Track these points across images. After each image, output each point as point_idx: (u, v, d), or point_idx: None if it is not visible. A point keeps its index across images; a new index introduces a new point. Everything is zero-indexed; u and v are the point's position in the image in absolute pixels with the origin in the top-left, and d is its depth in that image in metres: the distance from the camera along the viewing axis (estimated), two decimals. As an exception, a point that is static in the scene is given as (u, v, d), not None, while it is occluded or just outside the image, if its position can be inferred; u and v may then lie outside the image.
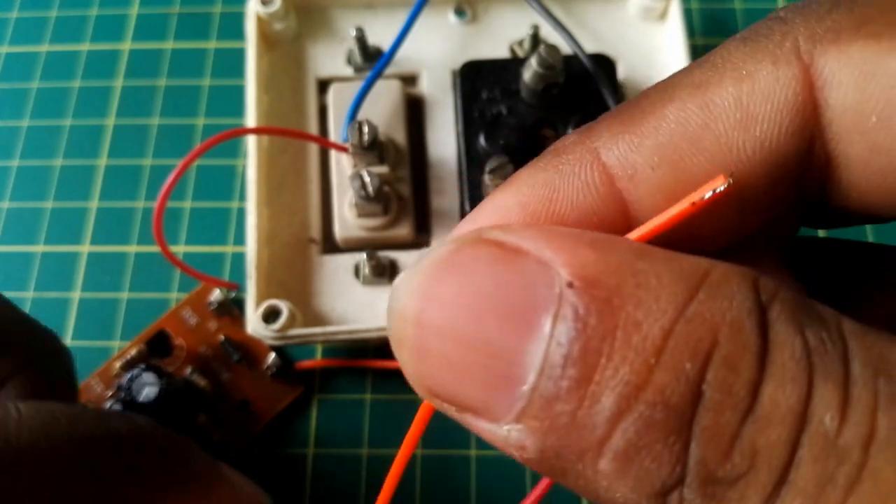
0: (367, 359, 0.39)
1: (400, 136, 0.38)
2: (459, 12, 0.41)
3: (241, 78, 0.40)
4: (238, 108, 0.44)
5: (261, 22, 0.39)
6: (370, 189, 0.34)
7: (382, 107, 0.38)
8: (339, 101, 0.38)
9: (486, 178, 0.34)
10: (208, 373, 0.38)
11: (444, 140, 0.39)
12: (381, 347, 0.40)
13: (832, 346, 0.14)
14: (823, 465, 0.14)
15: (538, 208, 0.19)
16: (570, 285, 0.14)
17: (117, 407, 0.35)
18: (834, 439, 0.14)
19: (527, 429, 0.15)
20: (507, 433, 0.15)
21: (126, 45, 0.47)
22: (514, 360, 0.15)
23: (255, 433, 0.38)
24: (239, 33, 0.46)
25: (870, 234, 0.42)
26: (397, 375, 0.39)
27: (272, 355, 0.38)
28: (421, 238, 0.38)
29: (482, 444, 0.39)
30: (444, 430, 0.38)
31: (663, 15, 0.41)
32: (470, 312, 0.15)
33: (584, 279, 0.14)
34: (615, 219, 0.19)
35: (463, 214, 0.37)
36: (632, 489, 0.14)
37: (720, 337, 0.14)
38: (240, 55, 0.45)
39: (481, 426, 0.16)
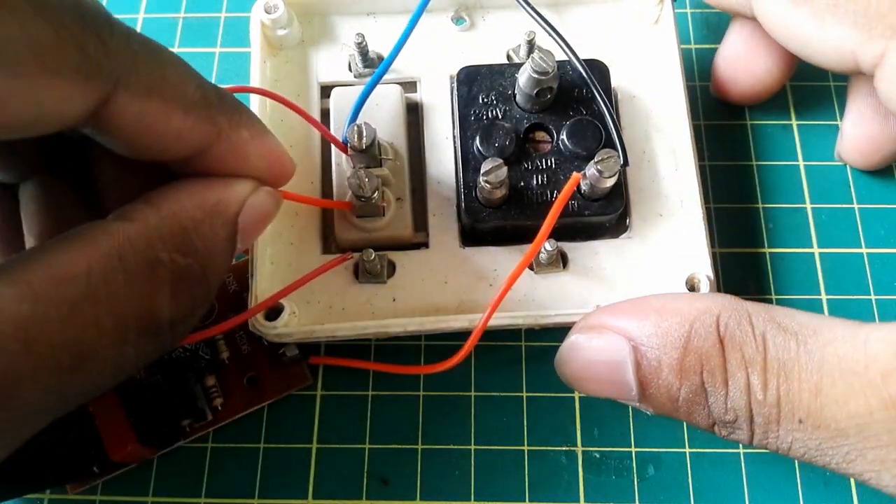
0: (377, 362, 0.41)
1: (399, 140, 0.39)
2: (458, 20, 0.42)
3: (245, 82, 0.41)
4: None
5: (265, 28, 0.40)
6: (369, 190, 0.36)
7: (382, 111, 0.39)
8: (340, 105, 0.39)
9: (481, 181, 0.35)
10: (231, 342, 0.40)
11: (441, 143, 0.40)
12: (379, 343, 0.41)
13: (756, 347, 0.29)
14: (760, 406, 0.29)
15: None
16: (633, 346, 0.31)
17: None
18: (762, 395, 0.29)
19: (647, 404, 0.32)
20: (639, 407, 0.32)
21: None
22: (623, 383, 0.31)
23: (251, 409, 0.40)
24: (243, 39, 0.47)
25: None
26: (398, 375, 0.40)
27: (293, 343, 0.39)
28: (418, 238, 0.39)
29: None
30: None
31: (656, 20, 0.41)
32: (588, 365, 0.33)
33: (636, 341, 0.31)
34: None
35: (459, 215, 0.38)
36: (696, 421, 0.31)
37: (703, 360, 0.30)
38: (244, 59, 0.47)
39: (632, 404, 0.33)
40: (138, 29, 0.49)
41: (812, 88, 0.46)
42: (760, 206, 0.43)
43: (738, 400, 0.29)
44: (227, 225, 0.28)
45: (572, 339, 0.33)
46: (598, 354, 0.32)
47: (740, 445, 0.39)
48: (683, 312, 0.30)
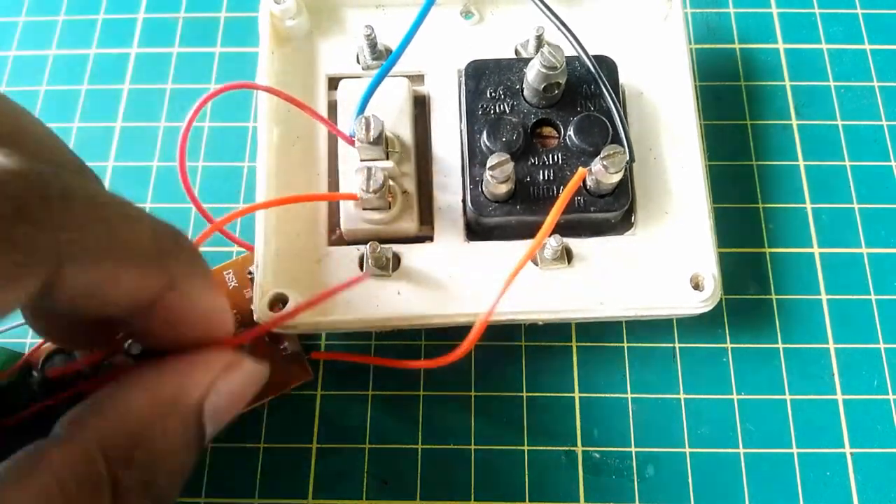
0: (379, 357, 0.40)
1: (406, 133, 0.39)
2: (466, 14, 0.42)
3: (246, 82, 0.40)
4: (244, 113, 0.45)
5: (273, 18, 0.40)
6: (375, 183, 0.35)
7: (390, 104, 0.39)
8: (347, 97, 0.39)
9: (488, 175, 0.35)
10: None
11: (448, 137, 0.40)
12: (379, 343, 0.41)
13: None
14: None
15: None
16: None
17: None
18: None
19: None
20: None
21: (133, 49, 0.48)
22: None
23: (253, 406, 0.39)
24: (244, 39, 0.47)
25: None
26: (398, 374, 0.40)
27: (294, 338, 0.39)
28: (423, 231, 0.39)
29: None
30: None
31: (665, 17, 0.42)
32: None
33: None
34: None
35: (464, 209, 0.38)
36: None
37: None
38: (245, 59, 0.47)
39: None
40: (138, 29, 0.49)
41: (812, 88, 0.47)
42: (760, 206, 0.43)
43: None
44: (186, 419, 0.25)
45: None
46: None
47: (740, 445, 0.39)
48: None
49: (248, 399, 0.28)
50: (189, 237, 0.27)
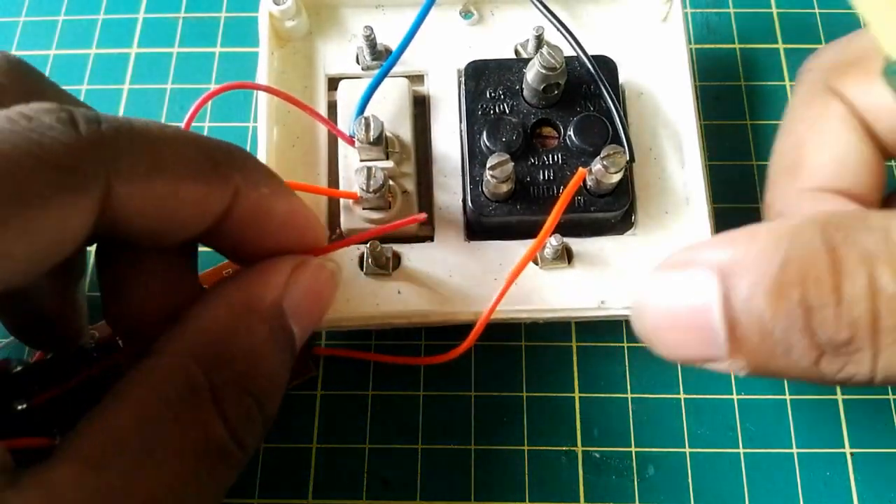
0: (378, 353, 0.40)
1: (406, 133, 0.39)
2: (466, 13, 0.42)
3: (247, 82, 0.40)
4: (244, 113, 0.45)
5: (273, 19, 0.40)
6: (375, 183, 0.35)
7: (389, 104, 0.39)
8: (347, 97, 0.39)
9: (488, 175, 0.35)
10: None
11: (447, 137, 0.40)
12: (381, 333, 0.41)
13: (878, 239, 0.23)
14: (891, 300, 0.22)
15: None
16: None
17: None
18: (894, 287, 0.22)
19: (738, 354, 0.24)
20: (727, 366, 0.25)
21: (133, 49, 0.48)
22: (709, 329, 0.24)
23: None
24: (244, 39, 0.47)
25: None
26: (398, 374, 0.40)
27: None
28: (424, 231, 0.39)
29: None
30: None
31: (665, 17, 0.42)
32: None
33: (724, 271, 0.24)
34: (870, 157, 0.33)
35: (464, 209, 0.38)
36: (796, 361, 0.24)
37: (804, 270, 0.23)
38: (245, 59, 0.47)
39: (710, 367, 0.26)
40: (138, 29, 0.49)
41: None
42: (760, 206, 0.43)
43: (857, 305, 0.22)
44: (267, 319, 0.27)
45: (651, 278, 0.27)
46: (679, 295, 0.25)
47: (740, 445, 0.39)
48: (780, 230, 0.24)
49: (330, 300, 0.30)
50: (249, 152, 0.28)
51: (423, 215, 0.35)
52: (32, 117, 0.21)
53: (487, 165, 0.35)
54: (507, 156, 0.35)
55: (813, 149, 0.35)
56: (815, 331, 0.23)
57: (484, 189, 0.37)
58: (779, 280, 0.23)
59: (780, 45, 0.47)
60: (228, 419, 0.25)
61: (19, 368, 0.36)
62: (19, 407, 0.35)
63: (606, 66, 0.38)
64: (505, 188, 0.36)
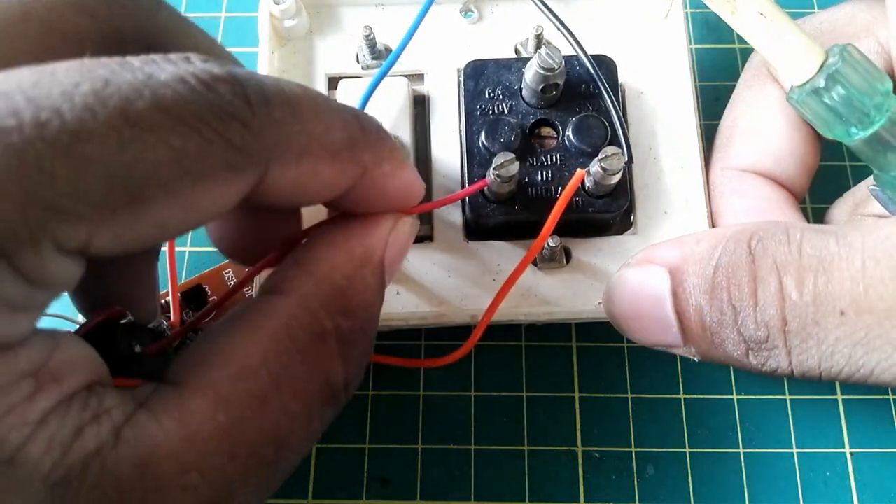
0: (379, 354, 0.40)
1: (405, 133, 0.39)
2: (466, 12, 0.42)
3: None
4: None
5: (273, 19, 0.40)
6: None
7: (389, 104, 0.39)
8: (347, 97, 0.39)
9: (492, 174, 0.35)
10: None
11: (447, 137, 0.40)
12: (379, 343, 0.40)
13: (790, 251, 0.27)
14: (795, 307, 0.26)
15: None
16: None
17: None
18: (797, 295, 0.26)
19: (689, 343, 0.29)
20: (684, 352, 0.30)
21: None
22: (665, 319, 0.29)
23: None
24: (244, 38, 0.47)
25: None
26: (398, 374, 0.40)
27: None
28: (422, 231, 0.39)
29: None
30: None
31: (666, 16, 0.42)
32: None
33: (674, 270, 0.29)
34: None
35: (463, 209, 0.38)
36: (728, 352, 0.28)
37: (730, 275, 0.28)
38: (245, 59, 0.46)
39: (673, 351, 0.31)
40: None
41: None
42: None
43: (768, 309, 0.27)
44: (377, 272, 0.28)
45: (618, 274, 0.32)
46: (640, 288, 0.31)
47: (740, 445, 0.39)
48: (718, 236, 0.29)
49: (409, 249, 0.30)
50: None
51: (485, 180, 0.35)
52: (211, 86, 0.21)
53: (492, 165, 0.34)
54: (512, 155, 0.35)
55: (744, 130, 0.37)
56: (740, 328, 0.27)
57: (483, 189, 0.37)
58: (713, 282, 0.28)
59: (781, 45, 0.47)
60: (346, 369, 0.26)
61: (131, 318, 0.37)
62: (136, 349, 0.35)
63: (606, 66, 0.38)
64: (506, 188, 0.36)
